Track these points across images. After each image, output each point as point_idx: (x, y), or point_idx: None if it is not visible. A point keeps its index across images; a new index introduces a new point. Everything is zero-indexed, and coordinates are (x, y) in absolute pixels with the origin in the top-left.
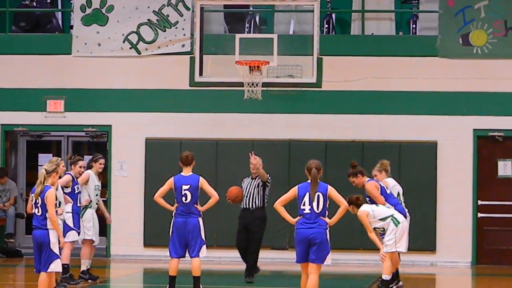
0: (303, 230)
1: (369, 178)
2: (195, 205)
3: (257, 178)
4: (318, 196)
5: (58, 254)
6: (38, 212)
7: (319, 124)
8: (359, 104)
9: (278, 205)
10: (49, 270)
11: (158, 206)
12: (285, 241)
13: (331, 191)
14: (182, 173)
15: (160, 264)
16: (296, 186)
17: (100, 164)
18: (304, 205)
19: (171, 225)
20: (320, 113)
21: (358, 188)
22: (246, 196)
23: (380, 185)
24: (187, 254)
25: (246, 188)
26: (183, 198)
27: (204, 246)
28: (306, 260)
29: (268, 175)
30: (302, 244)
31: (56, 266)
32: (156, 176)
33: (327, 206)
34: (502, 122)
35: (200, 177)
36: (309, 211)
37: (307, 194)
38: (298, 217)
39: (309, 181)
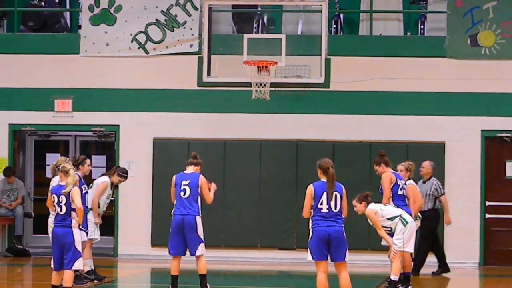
0: (322, 228)
1: (392, 171)
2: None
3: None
4: (336, 195)
5: (81, 252)
6: (61, 211)
7: (327, 125)
8: (367, 104)
9: (308, 215)
10: (73, 268)
11: (166, 206)
12: (292, 241)
13: (344, 193)
14: (184, 171)
15: (168, 264)
16: (311, 186)
17: (120, 180)
18: (321, 204)
19: (171, 223)
20: (327, 114)
21: (364, 188)
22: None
23: (397, 180)
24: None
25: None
26: (182, 193)
27: (202, 244)
28: (324, 258)
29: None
30: (320, 242)
31: (80, 264)
32: (164, 176)
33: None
34: (510, 123)
35: (201, 175)
36: (327, 210)
37: (325, 194)
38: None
39: (324, 180)
